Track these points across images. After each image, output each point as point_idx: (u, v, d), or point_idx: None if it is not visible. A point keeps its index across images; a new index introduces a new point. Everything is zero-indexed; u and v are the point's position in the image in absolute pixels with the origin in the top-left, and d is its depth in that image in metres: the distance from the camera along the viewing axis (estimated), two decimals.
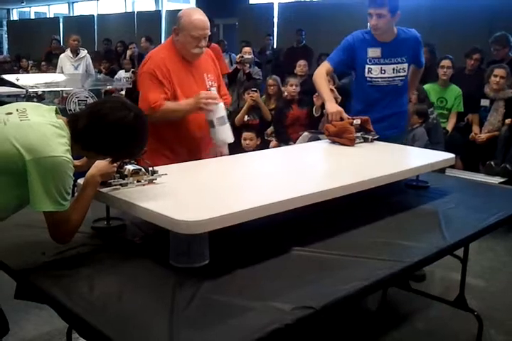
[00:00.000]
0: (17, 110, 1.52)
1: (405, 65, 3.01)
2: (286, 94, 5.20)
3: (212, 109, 2.35)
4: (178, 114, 2.47)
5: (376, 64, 2.95)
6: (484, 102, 4.55)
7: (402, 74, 3.00)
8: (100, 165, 1.65)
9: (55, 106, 1.62)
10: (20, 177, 1.42)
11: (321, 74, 2.98)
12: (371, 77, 2.97)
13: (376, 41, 2.97)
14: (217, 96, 2.41)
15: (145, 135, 1.61)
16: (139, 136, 1.59)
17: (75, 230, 1.55)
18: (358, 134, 2.56)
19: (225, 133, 2.43)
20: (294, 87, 4.95)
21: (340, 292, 1.39)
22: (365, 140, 2.59)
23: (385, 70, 2.96)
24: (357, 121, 2.58)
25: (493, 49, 5.24)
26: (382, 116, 2.93)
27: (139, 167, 1.74)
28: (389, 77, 2.98)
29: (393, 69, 2.98)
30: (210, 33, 3.26)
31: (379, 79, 2.97)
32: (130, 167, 1.73)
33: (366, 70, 2.97)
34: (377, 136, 2.64)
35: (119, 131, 1.53)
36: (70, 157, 1.47)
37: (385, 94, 3.00)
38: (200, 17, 2.50)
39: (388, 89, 2.99)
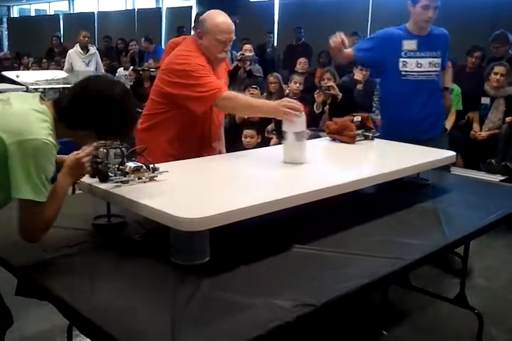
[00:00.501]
0: (1, 100, 1.50)
1: (439, 60, 2.94)
2: (287, 91, 5.20)
3: (292, 121, 2.09)
4: (254, 110, 2.34)
5: (412, 57, 2.88)
6: (484, 100, 4.55)
7: (437, 69, 2.93)
8: (70, 163, 1.57)
9: (39, 93, 1.61)
10: (2, 164, 1.40)
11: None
12: (406, 71, 2.89)
13: (411, 34, 2.92)
14: (300, 107, 2.10)
15: (131, 109, 1.57)
16: (124, 109, 1.53)
17: (47, 228, 1.49)
18: (359, 132, 2.56)
19: (299, 151, 2.09)
20: (297, 85, 4.95)
21: (341, 289, 1.39)
22: (366, 137, 2.59)
23: (421, 64, 2.88)
24: (357, 119, 2.57)
25: (493, 47, 5.24)
26: (422, 117, 2.86)
27: (140, 164, 1.74)
28: (425, 71, 2.90)
29: (429, 62, 2.91)
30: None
31: (415, 73, 2.89)
32: (131, 164, 1.73)
33: (400, 64, 2.89)
34: (377, 134, 2.64)
35: (102, 102, 1.49)
36: (53, 141, 1.43)
37: (422, 89, 2.91)
38: (225, 20, 2.40)
39: (425, 84, 2.91)
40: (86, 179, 1.78)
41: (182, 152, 2.37)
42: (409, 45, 2.91)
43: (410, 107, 2.93)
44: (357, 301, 2.26)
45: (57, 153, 1.50)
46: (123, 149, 1.75)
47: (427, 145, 2.53)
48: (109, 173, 1.71)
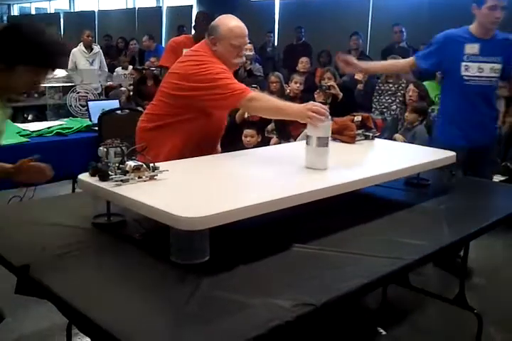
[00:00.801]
0: None
1: (500, 66, 2.88)
2: (288, 91, 5.19)
3: (317, 125, 2.02)
4: (279, 113, 2.29)
5: (473, 62, 2.84)
6: None
7: (497, 74, 2.88)
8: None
9: None
10: None
11: (401, 61, 2.93)
12: (468, 76, 2.85)
13: (474, 37, 2.87)
14: (326, 112, 2.04)
15: (56, 37, 1.67)
16: (48, 37, 1.62)
17: None
18: (359, 131, 2.56)
19: (320, 158, 2.01)
20: (298, 85, 4.95)
21: (340, 289, 1.38)
22: (366, 137, 2.58)
23: (482, 69, 2.85)
24: (358, 118, 2.57)
25: None
26: (481, 123, 2.83)
27: (140, 163, 1.74)
28: (486, 77, 2.86)
29: (490, 68, 2.86)
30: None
31: (476, 78, 2.85)
32: (131, 163, 1.72)
33: (462, 68, 2.85)
34: (377, 134, 2.63)
35: (27, 31, 1.58)
36: None
37: (484, 95, 2.88)
38: (238, 24, 2.38)
39: (485, 89, 2.87)
40: (86, 177, 1.78)
41: (187, 154, 2.30)
42: (471, 48, 2.86)
43: (470, 112, 2.90)
44: (354, 300, 2.26)
45: None
46: (123, 148, 1.75)
47: (481, 152, 2.47)
48: (110, 172, 1.71)
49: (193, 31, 4.15)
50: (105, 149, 1.75)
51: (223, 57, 2.36)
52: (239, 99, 2.22)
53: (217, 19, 2.43)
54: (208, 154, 2.35)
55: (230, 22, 2.37)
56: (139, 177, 1.73)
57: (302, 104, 2.14)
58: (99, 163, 1.75)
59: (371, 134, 2.60)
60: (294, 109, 2.18)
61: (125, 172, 1.71)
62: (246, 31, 2.38)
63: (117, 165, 1.72)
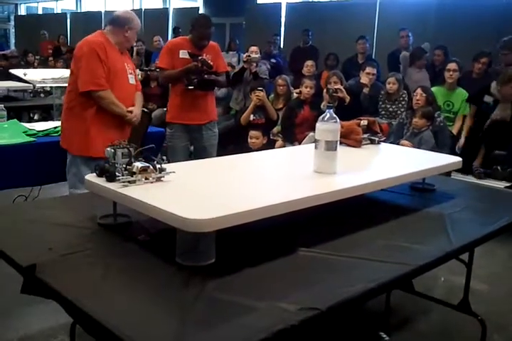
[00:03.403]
0: None
1: None
2: (296, 95, 5.22)
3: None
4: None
5: None
6: (487, 98, 4.53)
7: None
8: None
9: None
10: None
11: None
12: None
13: None
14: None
15: None
16: None
17: None
18: (365, 136, 2.55)
19: (329, 162, 2.00)
20: (308, 89, 4.96)
21: (345, 294, 1.38)
22: (372, 141, 2.58)
23: None
24: (364, 122, 2.56)
25: (502, 54, 5.22)
26: None
27: (148, 164, 1.74)
28: None
29: None
30: (210, 31, 3.87)
31: None
32: (138, 164, 1.73)
33: None
34: (383, 138, 2.63)
35: None
36: None
37: None
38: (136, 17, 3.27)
39: None
40: (92, 178, 1.79)
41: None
42: None
43: None
44: (358, 305, 2.25)
45: None
46: (130, 149, 1.75)
47: None
48: (117, 173, 1.72)
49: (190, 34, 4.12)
50: (112, 150, 1.75)
51: (127, 41, 3.19)
52: None
53: (128, 15, 3.24)
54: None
55: (137, 18, 3.26)
56: (146, 179, 1.73)
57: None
58: (107, 163, 1.76)
59: (377, 139, 2.59)
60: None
61: (132, 174, 1.71)
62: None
63: (124, 166, 1.72)
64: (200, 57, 3.73)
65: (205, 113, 3.97)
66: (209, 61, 3.79)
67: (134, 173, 1.71)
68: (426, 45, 6.05)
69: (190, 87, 3.79)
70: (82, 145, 3.11)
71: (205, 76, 3.80)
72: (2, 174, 3.25)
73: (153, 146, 1.84)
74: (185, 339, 1.17)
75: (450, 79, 4.89)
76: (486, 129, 4.49)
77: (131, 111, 3.14)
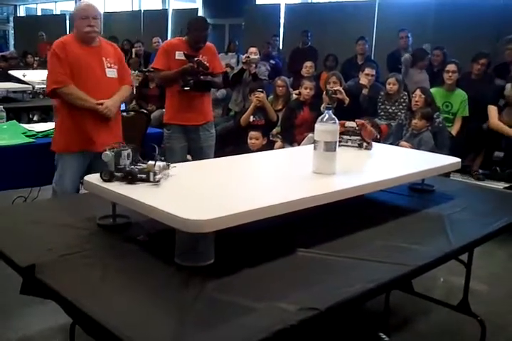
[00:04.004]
0: None
1: None
2: (295, 96, 5.21)
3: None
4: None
5: None
6: (500, 101, 4.53)
7: None
8: None
9: None
10: None
11: None
12: None
13: None
14: None
15: None
16: None
17: None
18: (356, 138, 2.48)
19: (328, 162, 2.00)
20: (308, 91, 4.96)
21: (344, 294, 1.38)
22: (360, 146, 2.48)
23: None
24: (350, 124, 2.44)
25: (507, 48, 5.23)
26: None
27: (149, 164, 1.74)
28: None
29: None
30: (206, 34, 3.87)
31: None
32: (159, 163, 1.74)
33: None
34: (370, 148, 2.49)
35: None
36: None
37: None
38: (85, 3, 3.17)
39: None
40: (92, 179, 1.79)
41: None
42: None
43: None
44: (357, 306, 2.26)
45: None
46: (133, 149, 1.76)
47: None
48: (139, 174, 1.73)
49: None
50: (113, 153, 1.75)
51: (78, 30, 3.10)
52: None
53: (74, 8, 3.33)
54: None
55: (80, 3, 3.21)
56: (147, 179, 1.74)
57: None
58: (117, 166, 1.74)
59: (365, 144, 2.48)
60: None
61: (154, 173, 1.72)
62: (91, 6, 3.12)
63: (140, 166, 1.74)
64: (196, 59, 3.74)
65: (202, 114, 3.98)
66: (205, 62, 3.80)
67: (156, 173, 1.72)
68: (426, 46, 6.06)
69: (186, 88, 3.80)
70: (59, 142, 3.21)
71: (201, 77, 3.81)
72: (1, 175, 3.24)
73: (155, 146, 1.85)
74: (185, 340, 1.17)
75: (449, 80, 4.89)
76: (487, 131, 4.48)
77: (101, 104, 3.11)
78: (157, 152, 1.79)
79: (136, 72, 7.58)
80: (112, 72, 3.20)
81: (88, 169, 3.25)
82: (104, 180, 1.75)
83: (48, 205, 2.24)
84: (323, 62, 7.05)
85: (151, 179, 1.74)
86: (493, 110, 4.48)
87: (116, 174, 1.74)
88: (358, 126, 2.44)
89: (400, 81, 5.16)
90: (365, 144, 2.47)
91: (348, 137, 2.48)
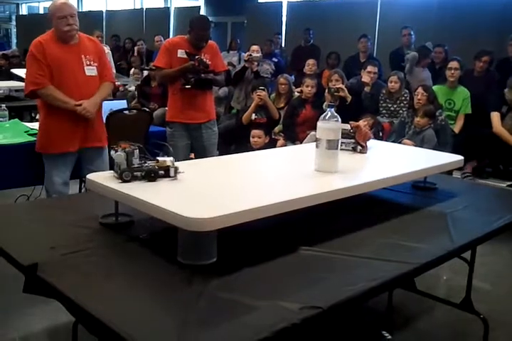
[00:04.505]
0: None
1: None
2: (297, 94, 5.20)
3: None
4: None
5: None
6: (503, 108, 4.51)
7: None
8: None
9: None
10: None
11: None
12: None
13: None
14: None
15: None
16: None
17: None
18: (350, 141, 2.35)
19: (330, 160, 2.00)
20: (309, 88, 4.96)
21: (347, 292, 1.38)
22: (354, 149, 2.37)
23: None
24: (344, 126, 2.21)
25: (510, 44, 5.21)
26: None
27: (165, 160, 1.77)
28: None
29: None
30: (208, 33, 3.87)
31: None
32: (169, 158, 1.77)
33: None
34: (365, 152, 2.38)
35: None
36: None
37: None
38: (60, 2, 3.06)
39: None
40: (95, 177, 1.79)
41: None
42: None
43: None
44: (360, 304, 2.26)
45: None
46: (140, 147, 1.78)
47: None
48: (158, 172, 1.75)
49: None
50: (125, 153, 1.74)
51: (57, 29, 3.05)
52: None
53: (50, 6, 3.16)
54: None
55: (55, 2, 3.08)
56: (152, 178, 1.75)
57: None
58: (128, 165, 1.75)
59: (359, 147, 2.37)
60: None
61: (167, 169, 1.75)
62: (66, 5, 3.06)
63: (153, 163, 1.75)
64: (197, 57, 3.74)
65: (204, 112, 3.98)
66: (207, 60, 3.80)
67: (167, 169, 1.74)
68: (429, 44, 6.04)
69: (187, 86, 3.80)
70: (42, 142, 3.22)
71: (202, 75, 3.80)
72: (4, 173, 3.25)
73: (166, 144, 1.86)
74: (188, 338, 1.17)
75: (452, 77, 4.88)
76: (488, 137, 4.44)
77: (80, 104, 3.08)
78: (165, 149, 1.80)
79: (136, 70, 7.58)
80: (91, 70, 3.16)
81: (77, 164, 3.28)
82: (125, 181, 1.73)
83: (50, 204, 2.24)
84: (326, 60, 7.04)
85: (171, 174, 1.76)
86: (496, 117, 4.47)
87: (136, 173, 1.74)
88: (352, 128, 2.33)
89: (401, 79, 5.15)
90: (359, 147, 2.36)
91: (342, 140, 2.20)
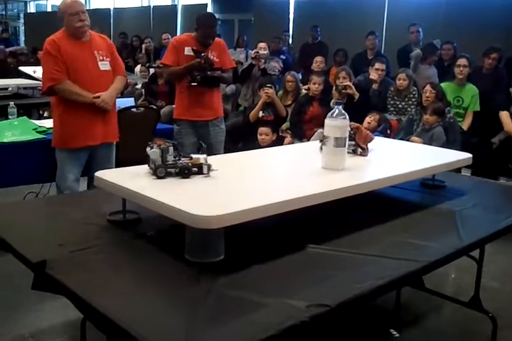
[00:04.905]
0: None
1: None
2: (305, 91, 5.19)
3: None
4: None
5: None
6: None
7: None
8: None
9: None
10: None
11: None
12: None
13: None
14: None
15: None
16: None
17: None
18: (350, 143, 2.17)
19: (337, 158, 1.99)
20: (316, 86, 4.94)
21: (355, 290, 1.38)
22: (354, 152, 2.25)
23: None
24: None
25: None
26: None
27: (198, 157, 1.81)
28: None
29: None
30: (215, 30, 3.90)
31: None
32: (203, 156, 1.83)
33: None
34: (366, 155, 2.28)
35: None
36: None
37: None
38: (72, 0, 3.15)
39: None
40: (103, 175, 1.79)
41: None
42: None
43: None
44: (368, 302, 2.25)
45: None
46: (173, 144, 1.80)
47: None
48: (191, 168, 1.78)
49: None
50: (159, 149, 1.76)
51: (69, 26, 3.13)
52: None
53: (59, 5, 3.24)
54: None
55: (65, 0, 3.17)
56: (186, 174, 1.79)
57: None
58: (163, 162, 1.77)
59: (360, 150, 2.25)
60: None
61: (200, 166, 1.79)
62: (77, 2, 3.17)
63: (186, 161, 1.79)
64: (203, 54, 3.74)
65: (211, 109, 3.98)
66: (213, 58, 3.80)
67: (201, 166, 1.78)
68: (437, 42, 6.00)
69: (193, 84, 3.80)
70: (58, 138, 3.25)
71: (209, 72, 3.80)
72: (13, 171, 3.27)
73: (201, 142, 1.90)
74: (195, 335, 1.17)
75: (460, 74, 4.84)
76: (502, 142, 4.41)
77: (98, 97, 3.15)
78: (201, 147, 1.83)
79: (143, 67, 7.58)
80: (104, 65, 3.24)
81: (87, 163, 3.30)
82: (159, 177, 1.76)
83: (58, 201, 2.25)
84: (333, 57, 7.01)
85: (205, 172, 1.79)
86: (505, 116, 4.44)
87: (170, 170, 1.77)
88: (352, 129, 2.23)
89: (410, 76, 5.12)
90: (359, 150, 2.24)
91: None
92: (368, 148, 2.26)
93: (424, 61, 5.73)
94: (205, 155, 1.86)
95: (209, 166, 1.81)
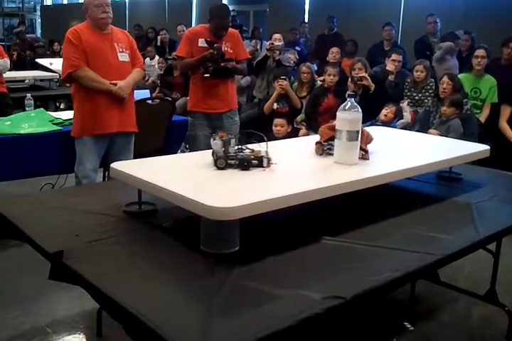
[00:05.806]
0: None
1: None
2: (320, 82, 5.16)
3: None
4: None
5: None
6: None
7: None
8: None
9: None
10: None
11: None
12: None
13: None
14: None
15: None
16: None
17: None
18: None
19: (350, 152, 1.94)
20: (331, 77, 4.91)
21: (370, 283, 1.38)
22: None
23: None
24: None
25: None
26: None
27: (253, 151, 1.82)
28: None
29: None
30: (228, 21, 3.96)
31: None
32: (262, 149, 1.84)
33: None
34: (368, 157, 2.28)
35: None
36: None
37: None
38: None
39: None
40: (118, 166, 1.80)
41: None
42: None
43: None
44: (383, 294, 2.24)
45: None
46: (238, 137, 1.84)
47: None
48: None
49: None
50: (222, 141, 1.79)
51: (93, 18, 3.21)
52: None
53: None
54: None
55: None
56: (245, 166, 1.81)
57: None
58: (226, 153, 1.80)
59: (361, 152, 2.02)
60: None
61: (261, 159, 1.80)
62: None
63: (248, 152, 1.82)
64: (215, 45, 3.72)
65: (226, 101, 3.96)
66: (227, 49, 3.80)
67: (261, 159, 1.79)
68: (460, 33, 5.88)
69: (206, 75, 3.79)
70: (77, 126, 3.30)
71: (222, 64, 3.79)
72: (30, 162, 3.30)
73: (261, 134, 1.97)
74: (211, 326, 1.17)
75: (478, 65, 4.78)
76: None
77: (115, 84, 3.21)
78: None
79: (160, 58, 7.57)
80: (124, 56, 3.31)
81: (105, 156, 3.33)
82: (219, 168, 1.78)
83: (75, 192, 2.27)
84: (344, 47, 6.93)
85: (265, 165, 1.80)
86: (504, 110, 4.38)
87: (230, 161, 1.79)
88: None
89: (427, 68, 5.06)
90: (362, 153, 2.01)
91: None
92: (368, 151, 2.05)
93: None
94: (266, 149, 1.85)
95: (269, 159, 1.81)
